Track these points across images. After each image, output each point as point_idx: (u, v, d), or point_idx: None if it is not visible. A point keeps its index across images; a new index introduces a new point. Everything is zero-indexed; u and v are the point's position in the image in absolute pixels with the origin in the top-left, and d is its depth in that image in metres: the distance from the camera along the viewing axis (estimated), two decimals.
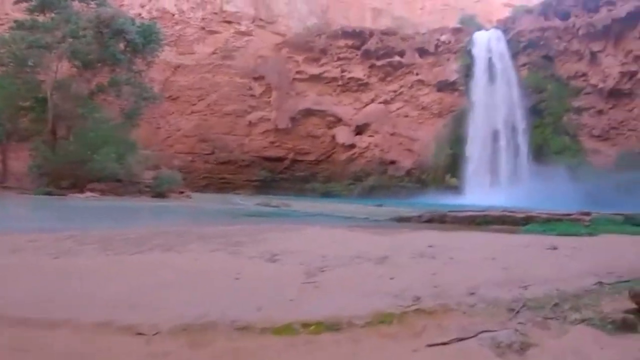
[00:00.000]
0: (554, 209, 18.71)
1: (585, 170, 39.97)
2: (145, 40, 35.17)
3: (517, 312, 4.57)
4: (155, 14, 51.01)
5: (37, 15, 34.08)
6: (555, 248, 9.56)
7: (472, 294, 5.30)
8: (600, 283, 5.99)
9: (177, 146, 51.43)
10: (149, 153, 37.02)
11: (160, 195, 31.03)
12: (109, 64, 35.18)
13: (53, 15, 34.05)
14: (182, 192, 33.24)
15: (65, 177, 31.57)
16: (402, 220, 17.77)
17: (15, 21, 34.11)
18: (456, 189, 45.29)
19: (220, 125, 52.22)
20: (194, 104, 52.34)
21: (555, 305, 4.83)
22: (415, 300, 4.96)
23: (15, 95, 33.42)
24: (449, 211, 18.10)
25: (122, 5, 46.27)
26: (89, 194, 28.86)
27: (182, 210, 22.69)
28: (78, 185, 30.52)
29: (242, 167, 52.55)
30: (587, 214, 16.52)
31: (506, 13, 55.83)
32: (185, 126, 51.76)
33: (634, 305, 4.50)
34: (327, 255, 7.77)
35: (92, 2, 35.65)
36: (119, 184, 31.38)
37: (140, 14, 47.79)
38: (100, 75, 36.26)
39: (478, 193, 41.60)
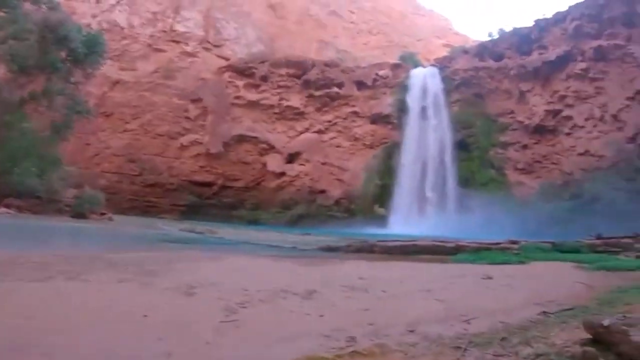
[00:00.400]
0: (482, 239, 18.89)
1: (509, 202, 41.31)
2: (88, 50, 33.10)
3: (465, 349, 4.25)
4: (105, 25, 49.70)
5: None
6: (490, 277, 9.45)
7: (412, 331, 4.95)
8: (545, 313, 5.97)
9: (105, 165, 49.17)
10: (72, 170, 34.41)
11: (81, 215, 28.91)
12: (47, 72, 32.74)
13: (1, 14, 31.82)
14: (103, 214, 31.17)
15: None
16: (330, 249, 17.26)
17: None
18: (384, 219, 45.54)
19: (151, 146, 50.47)
20: (127, 122, 50.41)
21: (503, 339, 4.61)
22: (349, 341, 4.50)
23: None
24: (378, 241, 17.87)
25: (73, 13, 44.18)
26: (3, 210, 26.44)
27: (101, 233, 21.30)
28: None
29: (170, 190, 50.60)
30: (515, 242, 16.79)
31: (445, 53, 57.97)
32: (115, 144, 49.65)
33: (587, 336, 4.39)
34: (250, 288, 7.18)
35: (44, 6, 33.51)
36: (38, 202, 29.05)
37: (89, 24, 45.83)
38: (35, 82, 33.49)
39: (406, 223, 42.20)
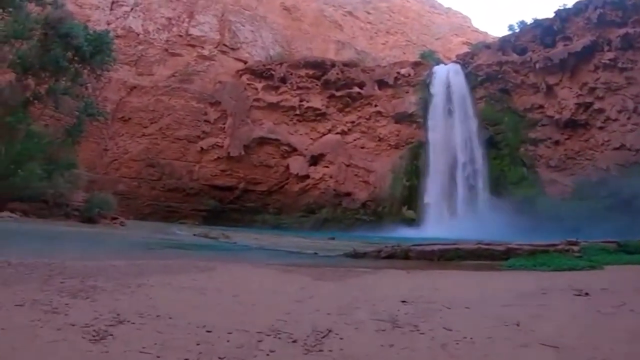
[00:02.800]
0: (526, 240, 16.54)
1: (542, 201, 40.80)
2: (94, 49, 32.80)
3: None
4: (120, 32, 50.67)
5: None
6: (586, 293, 7.17)
7: None
8: None
9: (123, 170, 49.67)
10: (81, 173, 33.88)
11: (90, 220, 28.18)
12: (51, 71, 32.40)
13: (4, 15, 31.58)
14: (115, 219, 30.67)
15: None
16: (357, 256, 15.22)
17: None
18: (413, 222, 45.07)
19: (170, 150, 50.95)
20: (145, 127, 50.93)
21: None
22: None
23: None
24: (413, 245, 15.70)
25: (88, 21, 44.74)
26: (6, 214, 25.66)
27: (96, 238, 19.58)
28: (1, 204, 27.28)
29: (190, 195, 50.91)
30: (575, 243, 14.73)
31: (465, 51, 57.87)
32: (133, 149, 50.14)
33: None
34: (217, 325, 4.84)
35: (49, 6, 32.98)
36: (44, 205, 28.47)
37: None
38: (42, 84, 33.10)
39: (435, 225, 41.73)
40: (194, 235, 26.41)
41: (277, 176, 52.63)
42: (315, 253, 16.71)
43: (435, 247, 14.95)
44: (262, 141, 52.04)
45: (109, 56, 34.53)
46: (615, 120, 40.90)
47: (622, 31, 40.03)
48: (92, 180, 42.37)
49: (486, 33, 74.63)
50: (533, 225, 33.07)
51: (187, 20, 55.11)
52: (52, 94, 32.69)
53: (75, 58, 32.95)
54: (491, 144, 47.19)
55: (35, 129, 31.84)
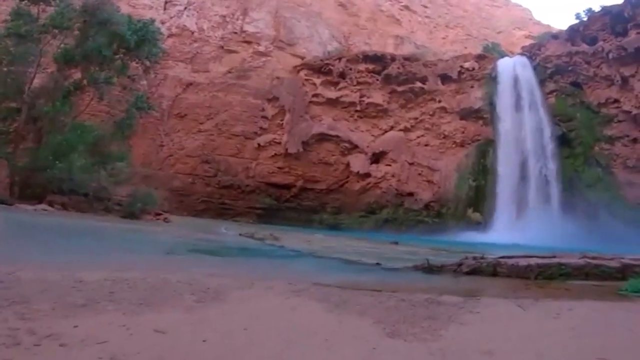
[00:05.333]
0: (609, 249, 14.91)
1: (619, 205, 39.12)
2: (139, 39, 32.81)
3: None
4: (174, 31, 52.49)
5: (29, 6, 31.75)
6: None
7: None
8: None
9: (178, 166, 50.69)
10: (122, 165, 33.00)
11: (132, 215, 28.08)
12: (97, 63, 32.47)
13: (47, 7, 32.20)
14: (159, 215, 30.67)
15: (29, 186, 28.95)
16: (431, 270, 12.33)
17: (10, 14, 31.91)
18: (479, 225, 44.09)
19: (226, 146, 51.70)
20: (201, 123, 51.87)
21: None
22: None
23: (2, 95, 30.76)
24: (502, 257, 12.80)
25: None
26: (42, 206, 25.53)
27: (122, 236, 18.09)
28: (41, 196, 27.50)
29: (246, 192, 51.48)
30: None
31: (529, 43, 56.81)
32: (189, 145, 51.13)
33: None
34: None
35: None
36: (84, 199, 28.35)
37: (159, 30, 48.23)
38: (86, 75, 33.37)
39: (503, 229, 40.41)
40: (240, 235, 25.41)
41: (336, 174, 52.78)
42: (378, 264, 13.93)
43: (532, 261, 11.97)
44: (322, 138, 52.21)
45: (155, 46, 34.81)
46: None
47: None
48: (147, 175, 43.81)
49: (549, 25, 73.75)
50: (609, 232, 31.98)
51: (241, 17, 56.13)
52: (93, 82, 32.99)
53: (121, 50, 33.30)
54: (563, 142, 45.44)
55: (83, 122, 32.40)
